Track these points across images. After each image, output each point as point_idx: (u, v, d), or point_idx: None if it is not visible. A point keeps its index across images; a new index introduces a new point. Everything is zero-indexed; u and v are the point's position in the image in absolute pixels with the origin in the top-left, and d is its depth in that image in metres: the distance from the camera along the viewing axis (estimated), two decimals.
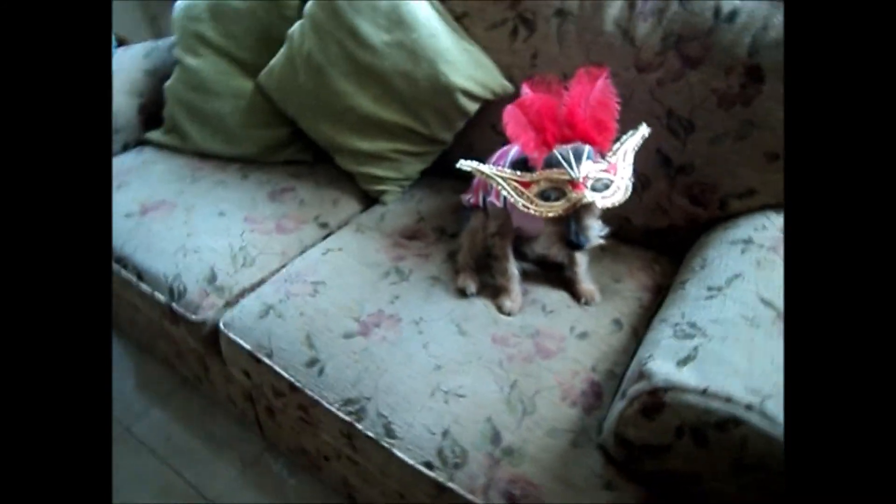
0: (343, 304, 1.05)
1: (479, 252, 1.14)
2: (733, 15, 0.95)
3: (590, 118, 0.86)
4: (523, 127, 0.89)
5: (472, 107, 1.19)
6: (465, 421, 0.86)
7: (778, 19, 0.92)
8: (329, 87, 1.23)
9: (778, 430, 0.65)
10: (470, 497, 0.80)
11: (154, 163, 1.45)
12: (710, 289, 0.89)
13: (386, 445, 0.87)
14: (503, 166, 0.97)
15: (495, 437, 0.84)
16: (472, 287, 1.09)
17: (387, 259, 1.16)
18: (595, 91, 0.85)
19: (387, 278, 1.12)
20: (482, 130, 1.26)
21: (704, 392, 0.69)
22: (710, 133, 1.01)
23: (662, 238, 1.17)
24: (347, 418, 0.91)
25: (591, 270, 1.10)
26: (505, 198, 1.00)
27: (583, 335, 1.00)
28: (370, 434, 0.89)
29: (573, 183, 0.84)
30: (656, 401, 0.72)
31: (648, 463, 0.76)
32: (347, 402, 0.92)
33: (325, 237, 1.26)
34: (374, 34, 1.17)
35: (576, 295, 1.08)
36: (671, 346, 0.79)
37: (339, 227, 1.29)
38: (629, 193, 0.88)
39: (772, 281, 0.86)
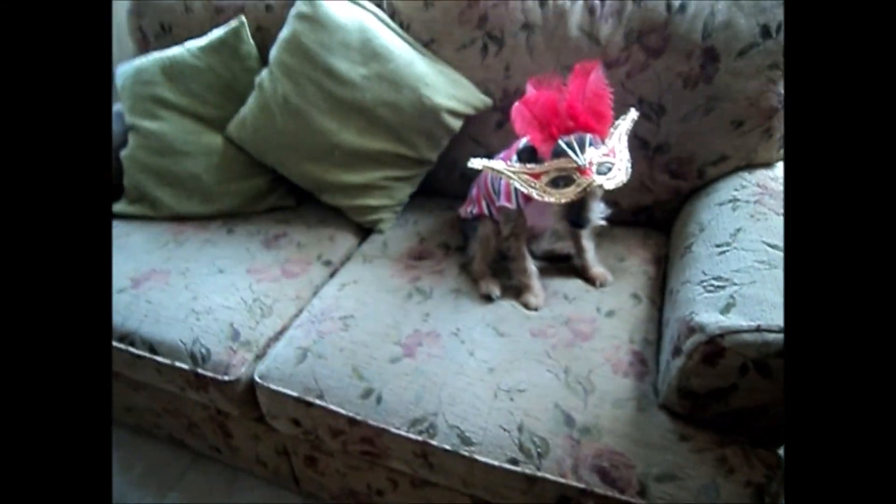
0: (379, 332, 1.07)
1: (492, 258, 1.19)
2: (683, 7, 1.08)
3: (588, 109, 0.94)
4: (529, 122, 0.95)
5: (457, 124, 1.26)
6: (535, 412, 0.90)
7: (722, 4, 1.06)
8: (311, 128, 1.25)
9: None
10: (563, 481, 0.84)
11: (127, 235, 1.39)
12: (718, 246, 0.99)
13: (466, 454, 0.89)
14: (511, 161, 1.04)
15: (568, 420, 0.89)
16: (496, 291, 1.13)
17: (404, 282, 1.19)
18: (590, 84, 0.93)
19: (411, 299, 1.14)
20: (464, 145, 1.33)
21: (758, 329, 0.77)
22: (680, 112, 1.13)
23: (650, 214, 1.27)
24: (419, 437, 0.92)
25: (597, 255, 1.18)
26: (517, 199, 1.07)
27: (610, 313, 1.07)
28: (447, 447, 0.90)
29: (581, 169, 0.91)
30: (716, 348, 0.79)
31: (715, 406, 0.84)
32: (415, 422, 0.93)
33: (332, 274, 1.27)
34: (352, 70, 1.21)
35: (590, 280, 1.15)
36: (708, 299, 0.87)
37: (344, 262, 1.30)
38: (630, 173, 0.97)
39: (769, 229, 0.97)
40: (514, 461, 0.87)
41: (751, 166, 1.16)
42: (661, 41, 1.10)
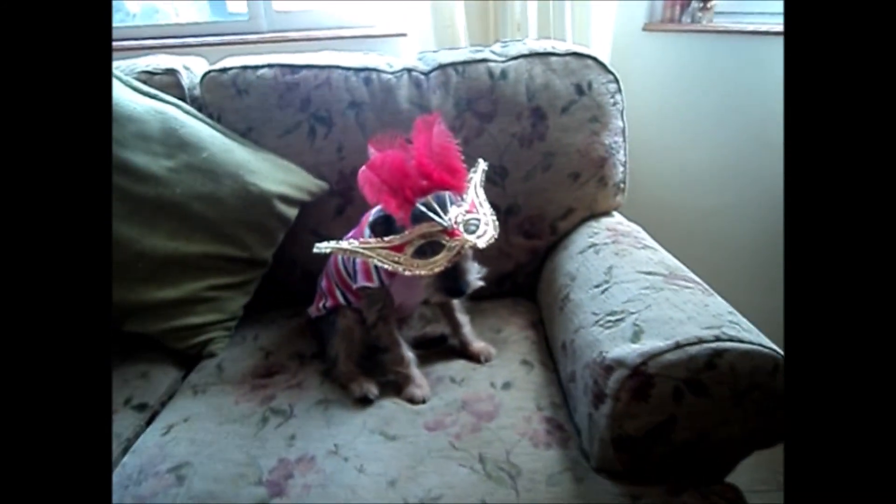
0: (229, 475, 0.78)
1: (358, 354, 1.00)
2: (504, 73, 1.13)
3: (439, 164, 0.87)
4: (379, 189, 0.84)
5: (292, 213, 1.10)
6: None
7: (538, 69, 1.12)
8: None
9: (749, 344, 0.70)
10: None
11: None
12: (596, 286, 0.95)
13: None
14: (365, 238, 0.91)
15: None
16: (373, 390, 0.94)
17: (254, 405, 0.93)
18: (434, 138, 0.87)
19: (267, 424, 0.88)
20: (303, 239, 1.16)
21: (678, 345, 0.71)
22: (522, 171, 1.14)
23: (514, 281, 1.22)
24: None
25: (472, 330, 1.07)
26: (379, 275, 0.93)
27: (506, 385, 0.95)
28: None
29: (448, 231, 0.83)
30: (642, 378, 0.71)
31: (657, 449, 0.73)
32: None
33: (150, 420, 0.94)
34: (153, 163, 1.00)
35: (473, 357, 1.03)
36: (612, 334, 0.80)
37: (165, 402, 0.98)
38: (497, 226, 0.91)
39: (638, 261, 0.97)
40: None
41: (594, 216, 1.19)
42: (490, 106, 1.12)
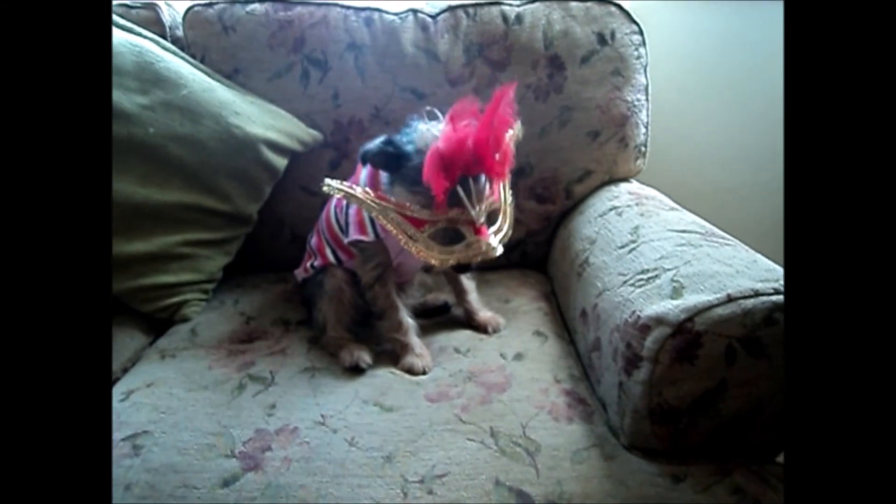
0: (196, 445, 0.66)
1: (350, 318, 0.89)
2: (520, 17, 1.02)
3: (495, 145, 0.73)
4: (436, 169, 0.70)
5: (281, 162, 0.98)
6: (471, 499, 0.59)
7: (556, 14, 1.02)
8: None
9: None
10: None
11: None
12: (622, 247, 0.84)
13: None
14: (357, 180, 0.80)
15: (522, 500, 0.59)
16: (366, 357, 0.83)
17: (230, 371, 0.81)
18: (499, 113, 0.73)
19: (244, 391, 0.77)
20: (292, 196, 1.05)
21: (730, 298, 0.60)
22: (537, 127, 1.04)
23: (523, 250, 1.12)
24: None
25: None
26: (375, 228, 0.82)
27: (518, 356, 0.84)
28: None
29: (474, 225, 0.73)
30: (687, 337, 0.60)
31: (702, 423, 0.62)
32: None
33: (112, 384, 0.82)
34: (124, 98, 0.88)
35: (479, 327, 0.92)
36: (646, 292, 0.69)
37: (128, 368, 0.86)
38: (513, 222, 0.83)
39: (668, 221, 0.87)
40: None
41: (613, 181, 1.09)
42: (503, 53, 1.02)
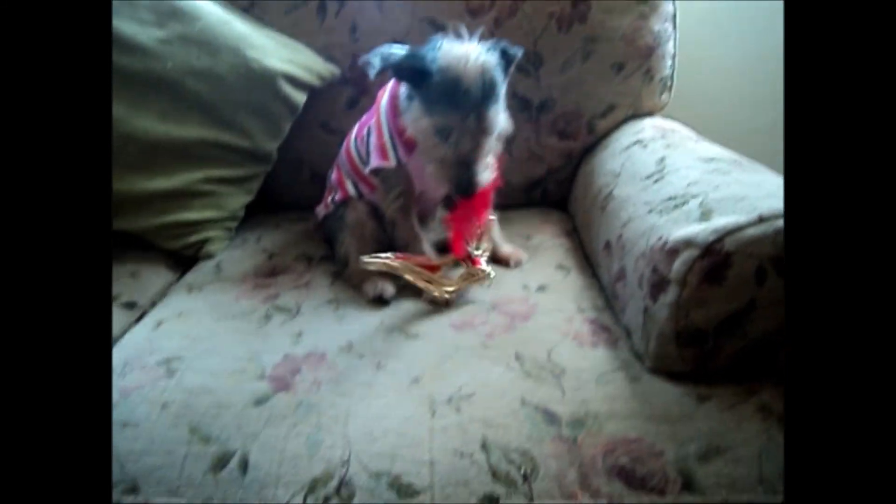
0: (227, 369, 0.68)
1: (372, 251, 0.89)
2: None
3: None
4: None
5: (300, 97, 0.97)
6: (499, 419, 0.60)
7: None
8: None
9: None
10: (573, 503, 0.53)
11: None
12: (648, 177, 0.83)
13: None
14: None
15: (549, 418, 0.60)
16: (389, 289, 0.83)
17: (257, 303, 0.82)
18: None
19: (271, 321, 0.78)
20: (311, 133, 1.04)
21: (761, 219, 0.59)
22: (559, 60, 1.01)
23: (543, 188, 1.11)
24: None
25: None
26: (396, 153, 0.81)
27: (542, 288, 0.84)
28: None
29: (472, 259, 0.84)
30: (716, 258, 0.59)
31: (728, 345, 0.62)
32: (314, 484, 0.56)
33: (140, 318, 0.84)
34: (141, 32, 0.87)
35: (501, 260, 0.92)
36: (674, 218, 0.68)
37: (157, 301, 0.88)
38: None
39: (695, 151, 0.85)
40: (491, 498, 0.54)
41: (637, 116, 1.06)
42: None
